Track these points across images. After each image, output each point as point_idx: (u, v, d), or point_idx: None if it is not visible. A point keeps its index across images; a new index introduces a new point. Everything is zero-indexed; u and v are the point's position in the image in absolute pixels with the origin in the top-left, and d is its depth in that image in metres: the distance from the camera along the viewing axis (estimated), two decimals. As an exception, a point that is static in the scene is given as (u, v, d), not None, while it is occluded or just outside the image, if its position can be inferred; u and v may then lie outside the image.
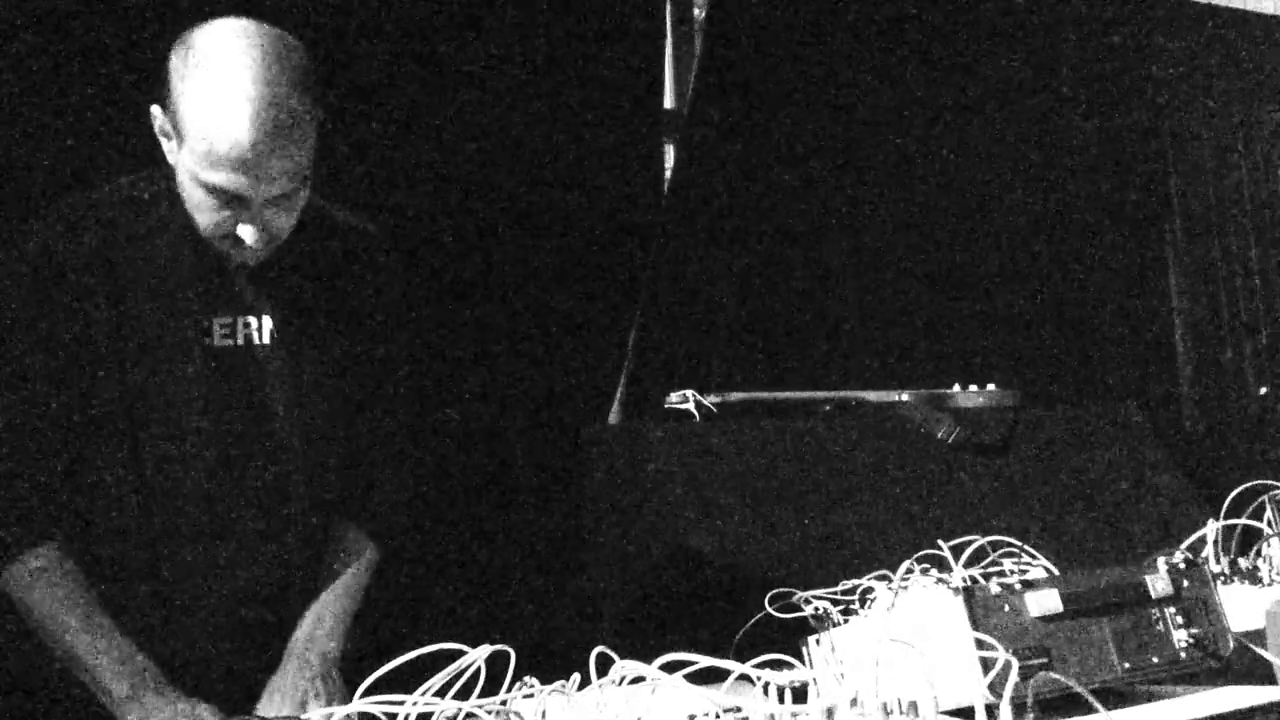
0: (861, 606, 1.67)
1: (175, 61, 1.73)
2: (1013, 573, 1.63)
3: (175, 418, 1.84)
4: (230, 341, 1.88)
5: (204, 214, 1.77)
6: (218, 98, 1.67)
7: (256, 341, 1.89)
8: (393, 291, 2.05)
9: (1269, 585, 2.10)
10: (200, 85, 1.69)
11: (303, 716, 1.73)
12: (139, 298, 1.84)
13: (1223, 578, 2.13)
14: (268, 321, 1.90)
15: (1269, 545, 2.15)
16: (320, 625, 1.92)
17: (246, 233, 1.76)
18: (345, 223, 2.03)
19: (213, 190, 1.73)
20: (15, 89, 2.71)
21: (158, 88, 1.75)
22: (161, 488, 1.85)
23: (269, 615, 1.92)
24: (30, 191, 2.61)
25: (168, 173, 1.82)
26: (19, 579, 1.81)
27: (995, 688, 1.34)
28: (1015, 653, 1.37)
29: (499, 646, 1.42)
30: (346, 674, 1.89)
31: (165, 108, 1.75)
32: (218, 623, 1.90)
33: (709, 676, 1.37)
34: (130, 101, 1.87)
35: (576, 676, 1.46)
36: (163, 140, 1.79)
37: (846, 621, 1.64)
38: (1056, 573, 1.60)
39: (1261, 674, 1.57)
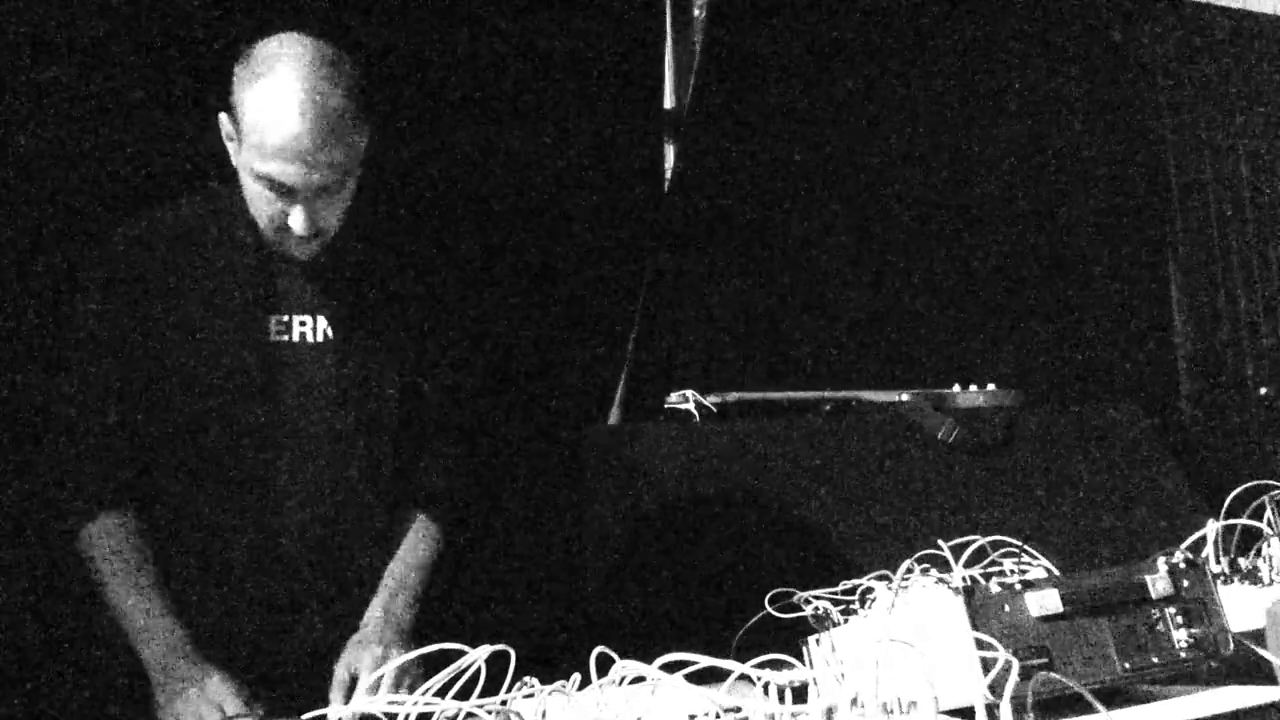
0: (861, 606, 1.67)
1: (238, 71, 1.93)
2: (1013, 573, 1.63)
3: (231, 410, 1.99)
4: (285, 338, 2.04)
5: (260, 206, 1.94)
6: (270, 96, 1.88)
7: (311, 339, 2.05)
8: (443, 286, 2.21)
9: (1269, 585, 2.10)
10: (256, 87, 1.89)
11: (305, 716, 1.73)
12: (201, 298, 2.01)
13: (1223, 578, 2.13)
14: (323, 320, 2.06)
15: (1269, 545, 2.15)
16: (395, 599, 2.05)
17: (296, 220, 1.93)
18: (392, 220, 2.22)
19: (265, 180, 1.90)
20: (96, 112, 2.81)
21: (224, 98, 1.96)
22: (217, 476, 1.99)
23: (326, 594, 2.04)
24: (111, 203, 2.70)
25: (232, 189, 2.02)
26: (88, 541, 1.98)
27: (995, 688, 1.34)
28: (1015, 653, 1.37)
29: (499, 646, 1.42)
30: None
31: (230, 114, 1.94)
32: (276, 603, 2.01)
33: (709, 676, 1.37)
34: (201, 121, 2.11)
35: (576, 676, 1.46)
36: (229, 145, 1.98)
37: (846, 621, 1.64)
38: (1056, 573, 1.60)
39: (1261, 674, 1.57)
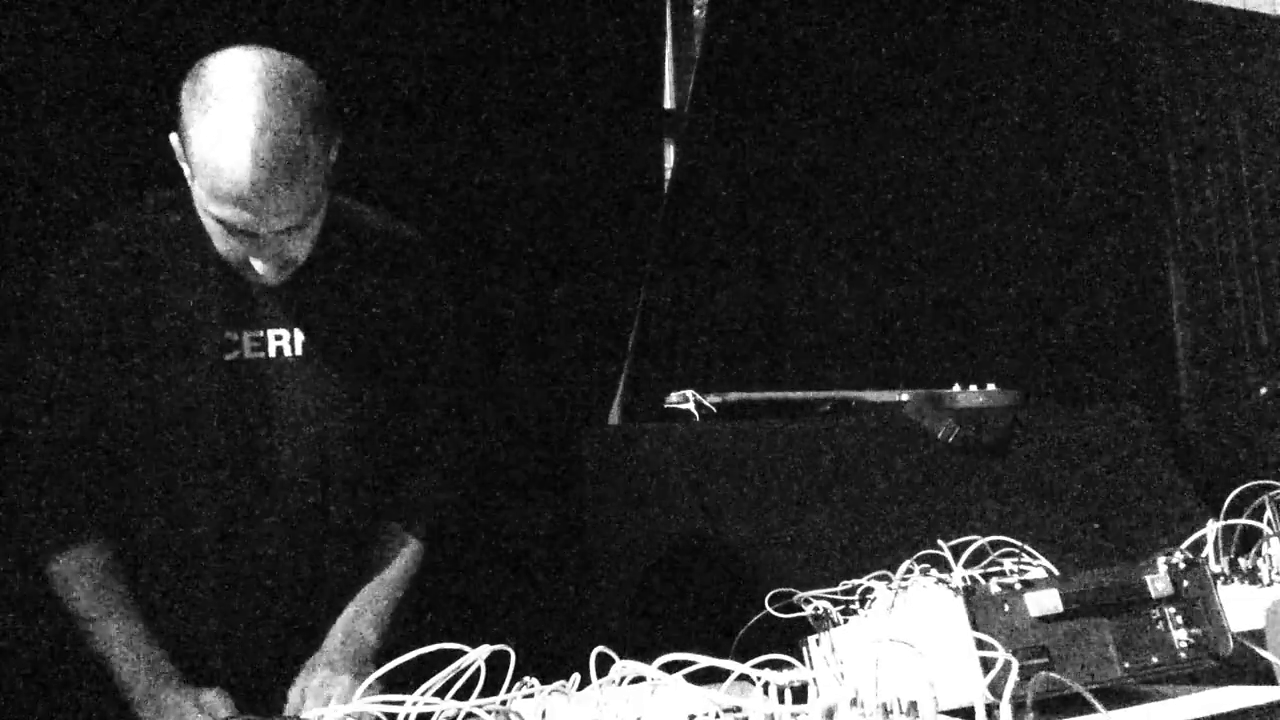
0: (861, 606, 1.67)
1: (184, 94, 1.73)
2: (1013, 573, 1.63)
3: (204, 429, 1.89)
4: (261, 354, 1.92)
5: (218, 242, 1.81)
6: (219, 137, 1.68)
7: (288, 354, 1.93)
8: (427, 294, 2.06)
9: (1269, 585, 2.10)
10: (203, 123, 1.69)
11: (302, 716, 1.73)
12: (171, 312, 1.89)
13: (1223, 578, 2.13)
14: (299, 334, 1.93)
15: (1269, 545, 2.15)
16: (359, 618, 1.95)
17: (257, 265, 1.80)
18: (377, 228, 2.05)
19: (220, 223, 1.75)
20: (58, 109, 2.76)
21: (174, 117, 1.75)
22: (193, 496, 1.90)
23: (306, 613, 1.96)
24: (72, 210, 2.65)
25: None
26: (60, 575, 1.89)
27: (995, 688, 1.34)
28: (1015, 653, 1.37)
29: (499, 646, 1.42)
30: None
31: (180, 138, 1.76)
32: (253, 621, 1.94)
33: (709, 676, 1.37)
34: (168, 119, 1.87)
35: (576, 676, 1.46)
36: (183, 166, 1.79)
37: (846, 621, 1.64)
38: (1056, 573, 1.60)
39: (1261, 674, 1.57)
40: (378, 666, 1.87)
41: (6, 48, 2.73)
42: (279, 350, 1.93)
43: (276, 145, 1.68)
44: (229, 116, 1.68)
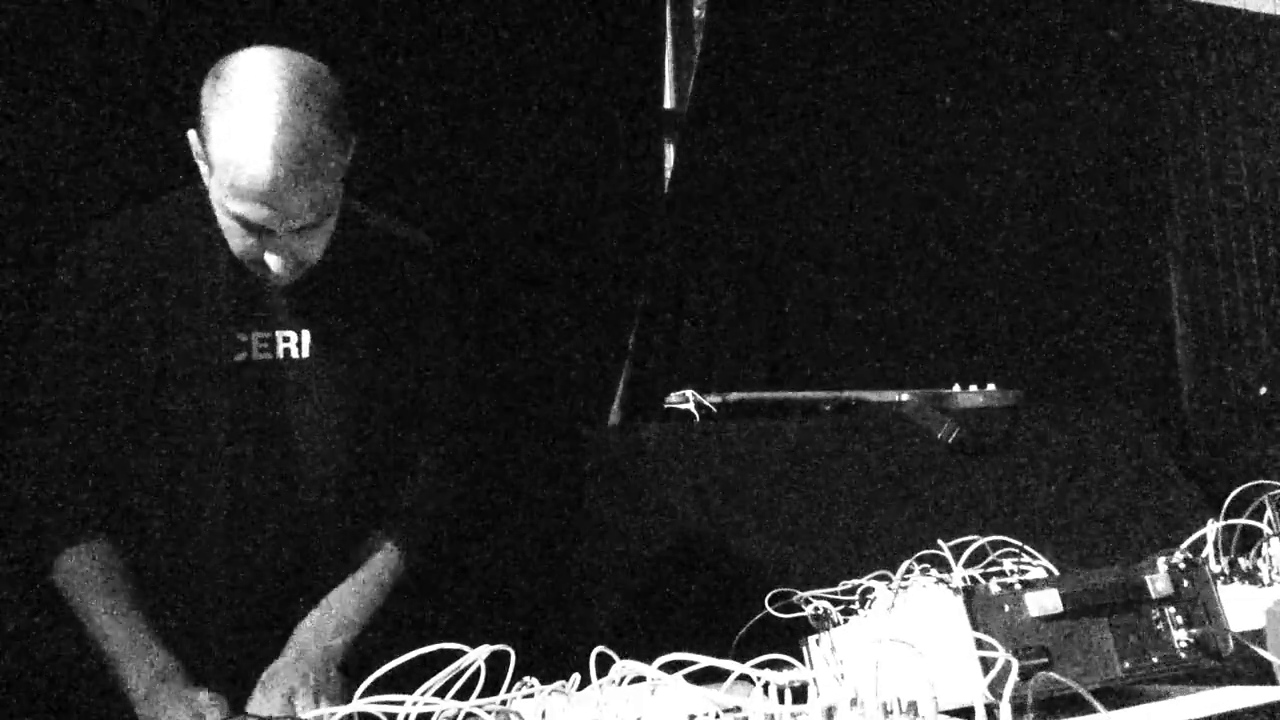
0: (861, 606, 1.67)
1: (206, 91, 1.75)
2: (1013, 573, 1.63)
3: (211, 429, 1.89)
4: (269, 355, 1.93)
5: (234, 239, 1.82)
6: (241, 133, 1.70)
7: (295, 355, 1.94)
8: (435, 299, 2.07)
9: (1269, 585, 2.10)
10: (225, 119, 1.71)
11: (301, 717, 1.73)
12: (180, 313, 1.90)
13: (1223, 578, 2.13)
14: (307, 336, 1.94)
15: (1269, 545, 2.15)
16: (326, 619, 1.93)
17: (273, 262, 1.81)
18: (386, 232, 2.06)
19: (238, 219, 1.77)
20: (68, 106, 2.77)
21: (194, 114, 1.77)
22: (198, 496, 1.91)
23: (299, 615, 1.95)
24: (83, 208, 2.67)
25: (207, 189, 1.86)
26: (63, 572, 1.89)
27: (995, 688, 1.34)
28: (1015, 653, 1.37)
29: (499, 646, 1.42)
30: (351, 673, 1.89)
31: (199, 134, 1.77)
32: (258, 620, 1.94)
33: (709, 676, 1.37)
34: (180, 119, 1.89)
35: (576, 676, 1.46)
36: (200, 164, 1.82)
37: (846, 621, 1.64)
38: (1056, 573, 1.60)
39: (1261, 674, 1.57)
40: (352, 669, 1.88)
41: (20, 47, 2.74)
42: (286, 352, 1.94)
43: (296, 143, 1.71)
44: (250, 113, 1.70)
